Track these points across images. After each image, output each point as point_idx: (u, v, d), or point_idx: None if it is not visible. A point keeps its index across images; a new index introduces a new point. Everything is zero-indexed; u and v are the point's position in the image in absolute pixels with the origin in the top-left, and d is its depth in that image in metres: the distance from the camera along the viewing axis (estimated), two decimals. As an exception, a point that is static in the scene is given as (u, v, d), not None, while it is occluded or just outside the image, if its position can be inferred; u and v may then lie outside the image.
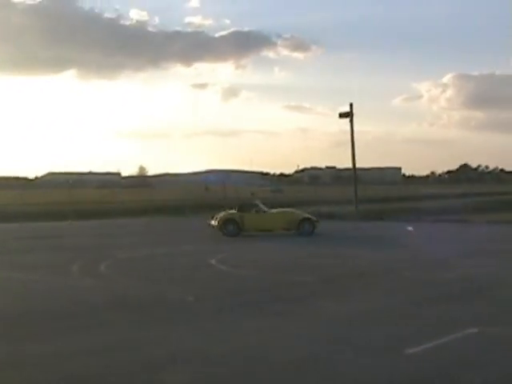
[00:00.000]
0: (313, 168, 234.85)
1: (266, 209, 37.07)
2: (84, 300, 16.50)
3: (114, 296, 17.07)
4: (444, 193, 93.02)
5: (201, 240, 33.92)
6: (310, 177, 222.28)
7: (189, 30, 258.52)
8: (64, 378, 9.76)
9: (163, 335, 12.43)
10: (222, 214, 36.52)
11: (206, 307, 15.30)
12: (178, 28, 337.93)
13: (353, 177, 53.33)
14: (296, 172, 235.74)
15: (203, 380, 9.67)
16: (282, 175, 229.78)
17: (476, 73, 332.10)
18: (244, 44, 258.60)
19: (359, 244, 31.07)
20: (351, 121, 50.72)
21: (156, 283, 19.35)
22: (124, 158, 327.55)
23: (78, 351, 11.22)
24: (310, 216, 36.54)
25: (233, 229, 35.59)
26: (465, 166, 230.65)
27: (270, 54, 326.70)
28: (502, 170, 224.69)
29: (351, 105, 51.04)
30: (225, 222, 35.86)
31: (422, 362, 10.25)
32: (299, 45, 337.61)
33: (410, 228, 33.64)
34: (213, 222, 36.30)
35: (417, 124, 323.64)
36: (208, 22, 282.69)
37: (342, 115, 50.75)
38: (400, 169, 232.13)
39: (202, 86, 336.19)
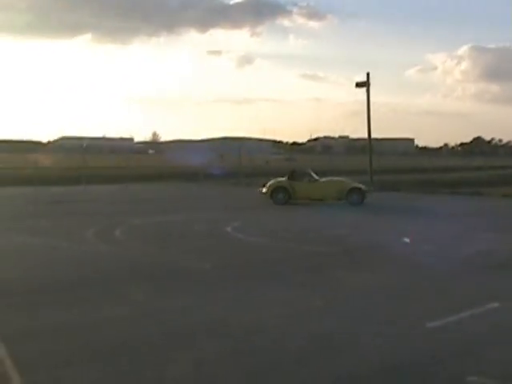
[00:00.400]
0: (326, 137, 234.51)
1: (316, 177, 36.38)
2: (101, 268, 16.42)
3: (131, 263, 17.08)
4: (458, 165, 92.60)
5: (214, 207, 33.76)
6: (322, 146, 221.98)
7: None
8: (85, 348, 9.73)
9: (185, 305, 12.39)
10: (272, 182, 36.29)
11: (224, 275, 15.30)
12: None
13: (366, 147, 53.11)
14: (309, 141, 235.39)
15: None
16: (294, 144, 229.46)
17: (492, 45, 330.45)
18: (259, 12, 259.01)
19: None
20: (368, 90, 50.38)
21: (171, 250, 19.29)
22: (136, 124, 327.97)
23: (98, 321, 11.20)
24: (359, 185, 35.83)
25: (282, 197, 35.34)
26: (478, 139, 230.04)
27: (285, 22, 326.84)
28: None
29: (368, 74, 50.72)
30: (275, 190, 35.69)
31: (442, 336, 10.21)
32: (315, 13, 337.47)
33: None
34: (263, 190, 36.07)
35: (431, 96, 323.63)
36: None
37: (358, 84, 50.43)
38: (413, 140, 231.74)
39: (217, 52, 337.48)
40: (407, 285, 14.36)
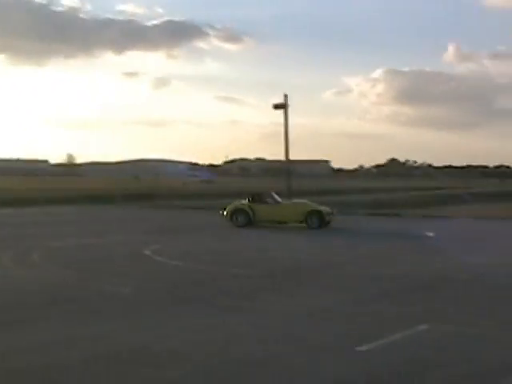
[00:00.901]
0: (242, 159, 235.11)
1: (279, 200, 35.71)
2: (18, 292, 15.79)
3: (48, 287, 16.44)
4: (374, 186, 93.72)
5: (134, 230, 33.07)
6: (239, 168, 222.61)
7: (121, 17, 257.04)
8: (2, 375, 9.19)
9: (104, 330, 11.89)
10: (232, 205, 35.64)
11: (144, 300, 14.81)
12: (110, 16, 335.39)
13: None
14: (225, 163, 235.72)
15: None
16: (211, 165, 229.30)
17: (406, 69, 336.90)
18: (176, 34, 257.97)
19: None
20: (286, 112, 50.32)
21: (91, 274, 18.69)
22: (52, 146, 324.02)
23: (14, 348, 10.65)
24: (319, 208, 34.78)
25: (243, 219, 34.51)
26: (393, 161, 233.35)
27: (201, 44, 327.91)
28: (429, 165, 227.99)
29: (286, 96, 50.65)
30: (234, 212, 34.97)
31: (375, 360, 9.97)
32: (231, 36, 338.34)
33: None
34: (224, 213, 35.32)
35: (347, 118, 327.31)
36: (140, 11, 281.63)
37: (276, 106, 50.35)
38: (329, 162, 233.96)
39: (133, 74, 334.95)
40: (332, 308, 14.11)
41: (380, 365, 9.74)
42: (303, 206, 35.25)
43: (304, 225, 33.60)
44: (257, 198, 35.72)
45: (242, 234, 31.66)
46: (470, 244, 27.47)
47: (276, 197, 35.89)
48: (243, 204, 35.27)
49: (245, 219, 34.50)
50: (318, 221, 33.72)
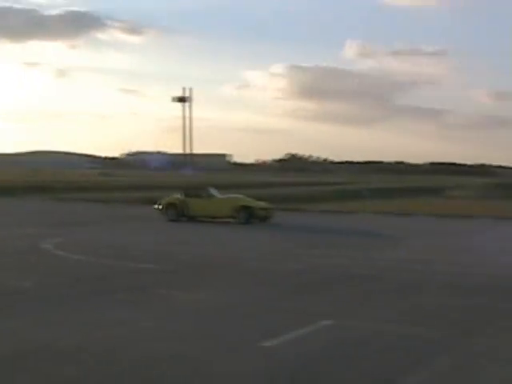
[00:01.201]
0: (142, 152, 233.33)
1: (215, 194, 35.21)
2: None
3: None
4: (274, 181, 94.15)
5: (34, 223, 32.35)
6: (139, 161, 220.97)
7: (19, 6, 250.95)
8: None
9: (6, 327, 11.60)
10: (166, 198, 35.27)
11: (46, 295, 14.49)
12: (8, 4, 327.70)
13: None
14: (126, 155, 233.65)
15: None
16: (110, 158, 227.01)
17: (307, 64, 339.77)
18: (77, 24, 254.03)
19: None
20: (189, 106, 50.31)
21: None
22: None
23: None
24: (251, 204, 34.18)
25: (174, 213, 34.14)
26: (293, 156, 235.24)
27: (103, 35, 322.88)
28: (328, 161, 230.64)
29: (190, 90, 50.72)
30: (166, 207, 34.58)
31: (279, 356, 9.99)
32: (133, 28, 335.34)
33: None
34: (156, 206, 35.05)
35: (248, 112, 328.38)
36: (40, 0, 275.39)
37: (179, 99, 50.30)
38: (229, 155, 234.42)
39: (34, 64, 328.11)
40: (237, 304, 14.11)
41: (284, 360, 9.76)
42: (234, 200, 34.78)
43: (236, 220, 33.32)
44: (191, 192, 35.72)
45: (154, 228, 31.45)
46: (373, 239, 27.91)
47: (212, 191, 35.51)
48: (175, 198, 34.92)
49: (176, 213, 34.10)
50: (246, 216, 33.18)
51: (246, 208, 33.59)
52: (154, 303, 13.87)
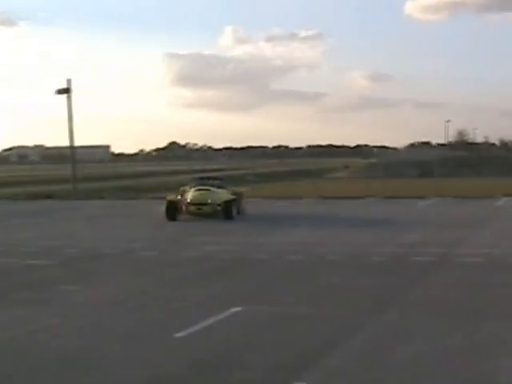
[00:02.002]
0: (21, 146, 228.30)
1: None
2: None
3: None
4: (155, 170, 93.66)
5: None
6: (18, 155, 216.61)
7: None
8: None
9: None
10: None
11: None
12: None
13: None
14: (4, 150, 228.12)
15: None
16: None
17: (185, 52, 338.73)
18: None
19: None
20: (69, 97, 49.37)
21: None
22: None
23: None
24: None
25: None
26: (173, 144, 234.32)
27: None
28: (209, 148, 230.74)
29: (69, 81, 49.65)
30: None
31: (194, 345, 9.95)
32: (5, 20, 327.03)
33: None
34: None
35: (127, 102, 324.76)
36: None
37: (60, 91, 49.20)
38: (109, 147, 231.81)
39: None
40: (139, 295, 13.97)
41: (200, 350, 9.69)
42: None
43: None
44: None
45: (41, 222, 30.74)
46: (265, 224, 28.04)
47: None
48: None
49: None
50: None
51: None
52: (53, 299, 13.56)
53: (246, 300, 13.08)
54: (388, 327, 11.00)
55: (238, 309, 12.18)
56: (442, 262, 17.61)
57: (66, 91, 48.87)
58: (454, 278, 15.33)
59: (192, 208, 29.63)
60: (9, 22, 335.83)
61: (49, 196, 47.45)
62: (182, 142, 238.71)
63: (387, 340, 10.16)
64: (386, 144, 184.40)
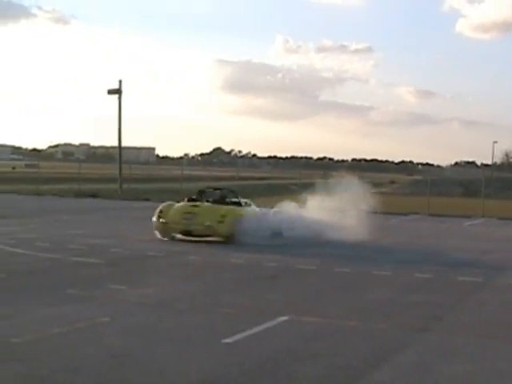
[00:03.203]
0: (66, 144, 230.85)
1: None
2: None
3: None
4: (201, 175, 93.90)
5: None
6: (63, 153, 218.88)
7: None
8: None
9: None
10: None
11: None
12: None
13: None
14: (49, 147, 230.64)
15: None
16: (34, 150, 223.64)
17: (235, 59, 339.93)
18: (2, 13, 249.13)
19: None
20: (119, 98, 49.84)
21: None
22: None
23: None
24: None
25: None
26: (218, 150, 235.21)
27: (29, 25, 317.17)
28: (254, 155, 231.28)
29: (120, 82, 50.13)
30: None
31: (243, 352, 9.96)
32: (60, 18, 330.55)
33: None
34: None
35: (174, 105, 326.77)
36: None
37: (110, 92, 49.69)
38: (154, 149, 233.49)
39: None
40: (187, 298, 14.02)
41: (250, 356, 9.68)
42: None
43: None
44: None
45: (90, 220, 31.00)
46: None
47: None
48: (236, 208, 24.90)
49: None
50: None
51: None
52: (104, 298, 13.69)
53: (293, 309, 13.06)
54: (435, 345, 10.93)
55: (285, 318, 12.19)
56: (492, 282, 17.47)
57: (116, 92, 49.32)
58: (503, 299, 15.18)
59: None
60: (62, 20, 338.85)
61: (94, 194, 47.92)
62: (227, 149, 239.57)
63: (435, 357, 10.09)
64: (431, 161, 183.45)
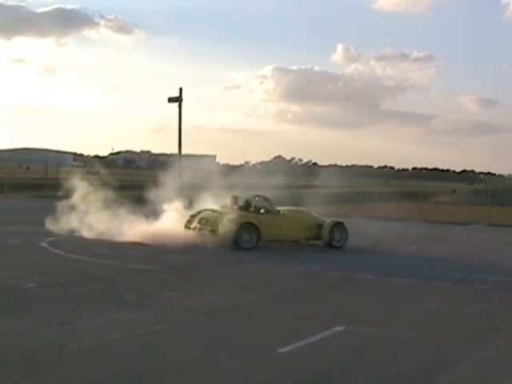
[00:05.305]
0: (128, 151, 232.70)
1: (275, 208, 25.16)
2: None
3: None
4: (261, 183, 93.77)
5: (27, 221, 31.95)
6: (124, 160, 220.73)
7: (10, 2, 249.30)
8: None
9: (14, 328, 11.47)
10: (225, 214, 23.79)
11: (50, 294, 14.41)
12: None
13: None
14: (111, 154, 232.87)
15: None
16: (96, 157, 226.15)
17: (295, 67, 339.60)
18: (66, 22, 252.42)
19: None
20: (180, 106, 50.09)
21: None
22: None
23: None
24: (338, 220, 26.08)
25: (249, 238, 23.63)
26: (279, 158, 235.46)
27: (92, 34, 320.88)
28: (315, 164, 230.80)
29: (181, 89, 50.36)
30: (239, 228, 23.42)
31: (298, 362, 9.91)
32: (122, 27, 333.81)
33: None
34: (194, 225, 24.19)
35: (234, 113, 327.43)
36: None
37: (171, 100, 49.94)
38: (215, 156, 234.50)
39: (21, 61, 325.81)
40: (244, 306, 14.03)
41: (304, 367, 9.66)
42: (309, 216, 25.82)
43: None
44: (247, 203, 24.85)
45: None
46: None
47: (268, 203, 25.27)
48: (247, 215, 24.05)
49: (250, 238, 23.67)
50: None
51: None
52: (162, 304, 13.79)
53: (350, 319, 13.00)
54: (494, 357, 10.77)
55: (342, 328, 12.13)
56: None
57: (176, 100, 49.54)
58: None
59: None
60: (125, 29, 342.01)
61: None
62: (288, 157, 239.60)
63: (493, 369, 9.95)
64: (493, 171, 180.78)
